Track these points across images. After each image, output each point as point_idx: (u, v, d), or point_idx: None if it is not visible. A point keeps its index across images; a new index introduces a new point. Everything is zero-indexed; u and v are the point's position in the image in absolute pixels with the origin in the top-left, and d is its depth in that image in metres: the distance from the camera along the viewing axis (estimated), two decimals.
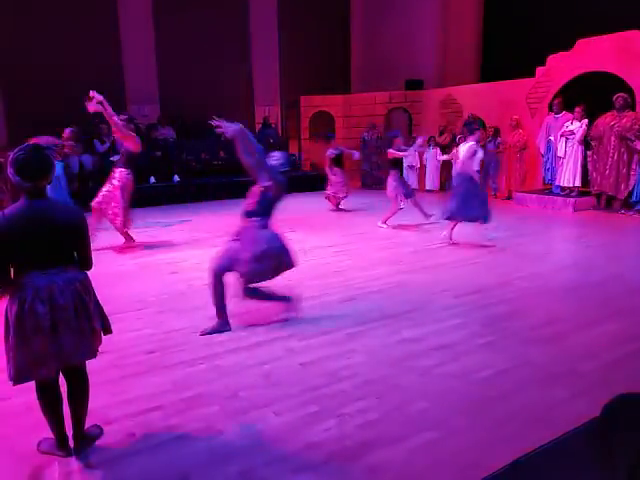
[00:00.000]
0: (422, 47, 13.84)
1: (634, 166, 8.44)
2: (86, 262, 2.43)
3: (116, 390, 3.03)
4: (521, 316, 4.16)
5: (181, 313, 4.34)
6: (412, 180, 12.21)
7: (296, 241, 6.94)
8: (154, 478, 2.32)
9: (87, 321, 2.34)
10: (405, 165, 12.23)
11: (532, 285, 4.96)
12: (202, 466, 2.38)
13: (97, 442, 2.53)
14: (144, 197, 9.65)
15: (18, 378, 2.27)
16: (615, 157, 8.62)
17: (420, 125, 13.11)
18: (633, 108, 8.54)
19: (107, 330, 2.53)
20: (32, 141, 2.48)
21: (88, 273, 2.46)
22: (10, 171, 2.19)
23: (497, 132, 10.53)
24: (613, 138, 8.57)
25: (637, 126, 8.33)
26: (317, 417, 2.75)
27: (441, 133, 11.84)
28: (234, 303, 4.05)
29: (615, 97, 8.49)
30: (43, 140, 4.94)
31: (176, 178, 11.20)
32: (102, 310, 2.51)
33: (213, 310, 3.96)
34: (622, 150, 8.54)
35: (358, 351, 3.53)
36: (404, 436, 2.56)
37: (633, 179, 8.45)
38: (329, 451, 2.45)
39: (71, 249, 2.36)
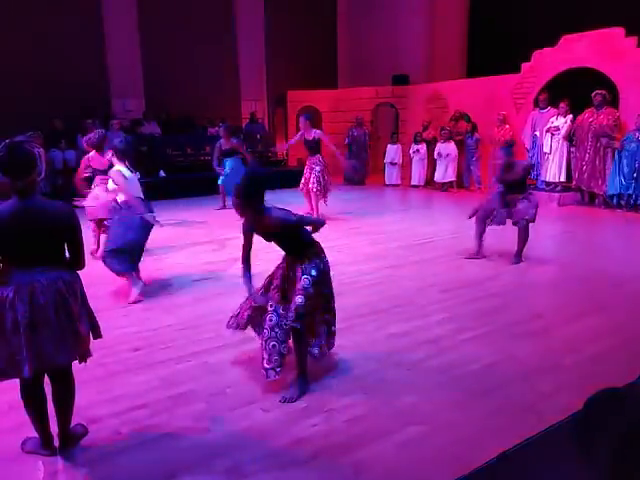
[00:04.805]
0: (409, 42, 13.84)
1: (609, 162, 8.52)
2: (77, 261, 2.39)
3: (102, 388, 3.00)
4: (506, 311, 4.19)
5: (167, 310, 4.30)
6: (395, 176, 12.25)
7: None
8: (141, 476, 2.31)
9: (69, 322, 2.26)
10: (386, 161, 12.26)
11: (517, 280, 5.01)
12: (189, 463, 2.36)
13: (82, 441, 2.50)
14: None
15: None
16: (591, 153, 8.71)
17: (407, 120, 13.13)
18: (614, 104, 8.63)
19: (97, 335, 2.46)
20: None
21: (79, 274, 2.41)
22: None
23: (475, 128, 10.71)
24: (590, 135, 8.66)
25: (612, 122, 8.39)
26: (304, 413, 2.75)
27: (425, 128, 11.86)
28: None
29: (594, 94, 8.53)
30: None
31: (161, 173, 11.11)
32: (91, 313, 2.44)
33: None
34: (598, 146, 8.62)
35: (346, 346, 3.53)
36: (392, 431, 2.57)
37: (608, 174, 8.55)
38: (317, 447, 2.45)
39: (59, 248, 2.32)
